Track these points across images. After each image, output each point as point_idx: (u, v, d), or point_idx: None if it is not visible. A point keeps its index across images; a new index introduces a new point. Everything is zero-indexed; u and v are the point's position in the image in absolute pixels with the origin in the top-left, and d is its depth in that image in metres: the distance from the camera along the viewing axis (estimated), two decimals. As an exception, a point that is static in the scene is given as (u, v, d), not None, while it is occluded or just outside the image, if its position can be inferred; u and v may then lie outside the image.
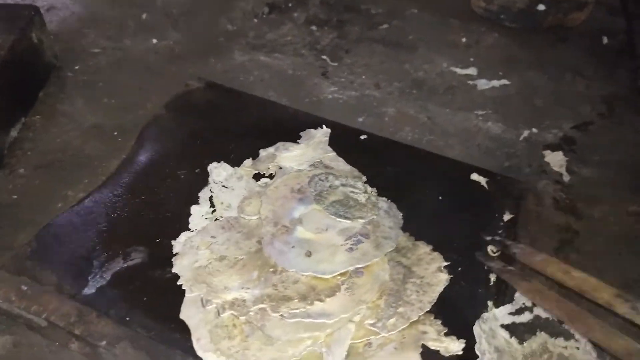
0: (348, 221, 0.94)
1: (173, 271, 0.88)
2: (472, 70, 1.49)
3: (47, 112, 1.26)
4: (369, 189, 1.02)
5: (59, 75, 1.36)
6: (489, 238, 0.95)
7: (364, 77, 1.46)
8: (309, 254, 0.89)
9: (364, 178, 1.04)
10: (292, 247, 0.90)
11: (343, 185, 1.01)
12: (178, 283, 0.86)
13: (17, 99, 1.21)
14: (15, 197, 1.09)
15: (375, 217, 0.95)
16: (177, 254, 0.91)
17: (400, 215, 0.98)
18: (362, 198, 0.99)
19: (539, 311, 0.87)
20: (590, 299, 0.79)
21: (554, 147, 1.24)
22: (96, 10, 1.55)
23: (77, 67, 1.39)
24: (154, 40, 1.50)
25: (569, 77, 1.45)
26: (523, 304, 0.88)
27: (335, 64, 1.50)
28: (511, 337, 0.83)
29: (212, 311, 0.82)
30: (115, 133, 1.23)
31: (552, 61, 1.50)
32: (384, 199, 1.00)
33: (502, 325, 0.84)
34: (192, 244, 0.91)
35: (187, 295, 0.85)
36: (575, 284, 0.80)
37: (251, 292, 0.83)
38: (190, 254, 0.90)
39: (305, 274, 0.86)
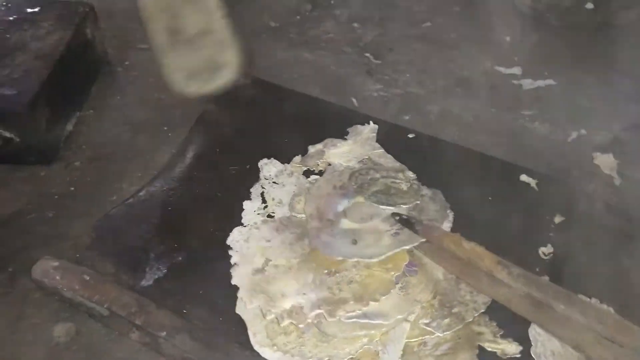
0: (391, 208, 0.97)
1: (232, 283, 0.88)
2: (516, 70, 1.47)
3: (99, 106, 1.30)
4: (411, 175, 1.04)
5: (109, 71, 1.39)
6: (397, 217, 0.97)
7: (408, 75, 1.46)
8: (354, 242, 0.91)
9: (412, 175, 1.05)
10: (338, 237, 0.92)
11: (383, 177, 1.03)
12: (238, 295, 0.87)
13: (72, 93, 1.25)
14: (72, 189, 1.12)
15: (418, 202, 0.99)
16: (235, 264, 0.91)
17: (444, 200, 1.00)
18: (403, 186, 1.02)
19: None
20: (477, 266, 0.87)
21: (603, 149, 1.22)
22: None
23: (127, 63, 1.42)
24: (201, 36, 1.52)
25: (616, 77, 1.43)
26: None
27: (379, 61, 1.50)
28: None
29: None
30: (165, 128, 1.26)
31: (600, 61, 1.47)
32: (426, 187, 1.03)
33: None
34: (247, 250, 0.92)
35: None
36: (465, 253, 0.88)
37: (308, 297, 0.84)
38: (246, 262, 0.91)
39: (352, 260, 0.89)
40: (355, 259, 0.89)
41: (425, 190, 1.02)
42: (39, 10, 1.27)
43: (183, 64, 1.01)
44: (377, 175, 1.03)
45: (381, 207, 0.97)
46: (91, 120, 1.26)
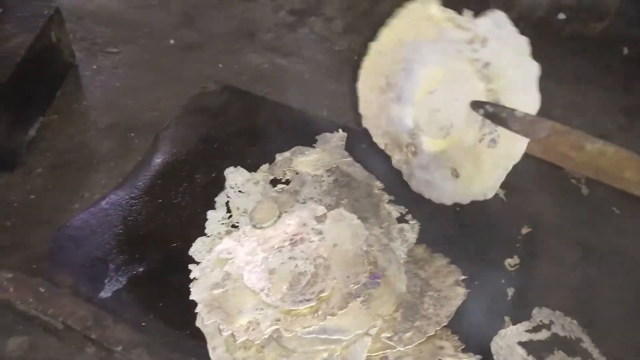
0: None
1: (191, 298, 0.85)
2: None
3: (64, 111, 1.28)
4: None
5: (76, 75, 1.37)
6: (480, 111, 0.78)
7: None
8: (456, 174, 0.78)
9: (380, 185, 1.04)
10: (434, 170, 0.78)
11: None
12: (195, 311, 0.84)
13: (35, 98, 1.22)
14: (33, 196, 1.10)
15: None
16: (194, 278, 0.88)
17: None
18: None
19: (556, 329, 0.86)
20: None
21: (572, 160, 1.22)
22: (113, 10, 1.56)
23: (94, 67, 1.40)
24: (171, 41, 1.50)
25: (587, 87, 1.44)
26: (540, 321, 0.87)
27: (350, 68, 1.50)
28: (528, 355, 0.82)
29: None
30: (132, 134, 1.24)
31: (571, 71, 1.48)
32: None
33: (519, 343, 0.83)
34: (208, 262, 0.90)
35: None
36: (592, 159, 0.71)
37: (265, 312, 0.82)
38: (205, 276, 0.88)
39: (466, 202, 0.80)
40: (469, 200, 0.76)
41: (482, 25, 0.80)
42: (2, 12, 1.24)
43: None
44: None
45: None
46: (55, 126, 1.24)
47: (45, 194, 1.10)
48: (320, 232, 0.92)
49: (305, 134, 1.17)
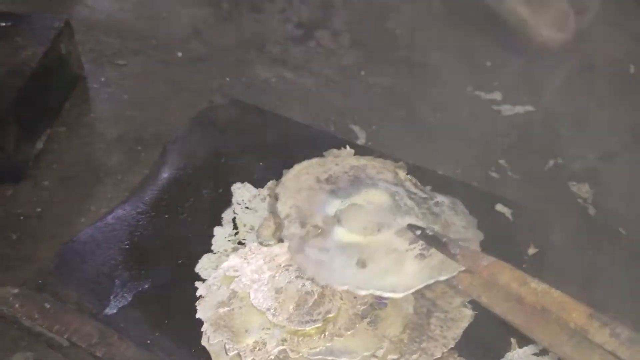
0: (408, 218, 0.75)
1: (197, 316, 0.84)
2: (496, 95, 1.48)
3: (72, 123, 1.28)
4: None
5: (84, 87, 1.37)
6: (417, 231, 0.76)
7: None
8: (362, 264, 0.72)
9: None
10: (335, 254, 0.74)
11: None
12: (201, 330, 0.83)
13: (44, 110, 1.23)
14: (39, 209, 1.10)
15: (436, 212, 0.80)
16: (200, 296, 0.87)
17: (468, 213, 0.84)
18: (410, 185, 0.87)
19: None
20: (556, 319, 0.67)
21: (579, 179, 1.23)
22: (122, 23, 1.57)
23: (102, 79, 1.40)
24: (179, 54, 1.51)
25: (594, 106, 1.44)
26: None
27: (358, 83, 1.50)
28: None
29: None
30: (139, 147, 1.24)
31: (578, 89, 1.49)
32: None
33: None
34: (214, 280, 0.89)
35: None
36: (537, 299, 0.67)
37: (271, 332, 0.81)
38: (212, 294, 0.87)
39: (364, 293, 0.73)
40: (369, 292, 0.71)
41: (440, 197, 0.82)
42: (13, 24, 1.25)
43: None
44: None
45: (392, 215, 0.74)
46: (63, 138, 1.24)
47: (52, 207, 1.10)
48: (327, 251, 0.92)
49: (312, 150, 1.17)
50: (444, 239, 0.74)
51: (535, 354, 0.84)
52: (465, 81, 1.52)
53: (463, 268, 0.74)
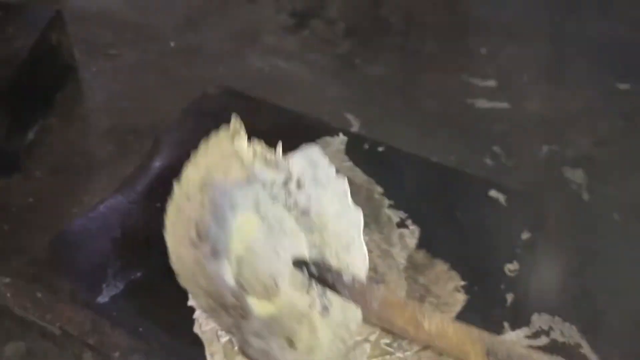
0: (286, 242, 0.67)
1: (189, 304, 0.83)
2: (491, 83, 1.48)
3: (64, 114, 1.29)
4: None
5: (76, 78, 1.38)
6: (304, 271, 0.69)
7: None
8: (291, 344, 0.65)
9: (380, 190, 1.04)
10: (267, 338, 0.67)
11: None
12: (194, 317, 0.82)
13: (35, 100, 1.23)
14: (31, 200, 1.10)
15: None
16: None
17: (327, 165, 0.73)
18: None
19: (556, 335, 0.87)
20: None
21: (573, 164, 1.23)
22: (115, 13, 1.57)
23: (94, 69, 1.41)
24: (172, 44, 1.51)
25: (591, 90, 1.44)
26: (540, 327, 0.87)
27: (353, 71, 1.50)
28: None
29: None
30: (132, 138, 1.24)
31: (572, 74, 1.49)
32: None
33: None
34: None
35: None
36: (433, 341, 0.65)
37: None
38: None
39: None
40: None
41: (297, 166, 0.73)
42: (3, 15, 1.25)
43: None
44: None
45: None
46: (54, 129, 1.25)
47: (44, 198, 1.11)
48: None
49: (305, 138, 1.17)
50: (330, 279, 0.66)
51: (527, 336, 0.85)
52: (459, 69, 1.52)
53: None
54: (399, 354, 0.79)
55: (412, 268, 0.91)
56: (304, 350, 0.65)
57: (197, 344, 0.81)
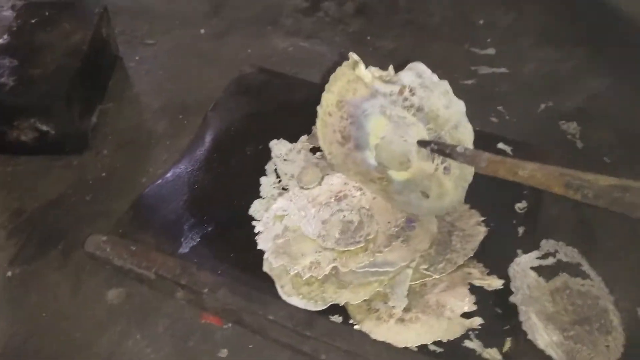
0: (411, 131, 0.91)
1: (258, 248, 1.00)
2: (490, 51, 1.62)
3: (117, 99, 1.42)
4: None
5: (122, 66, 1.51)
6: (428, 147, 0.93)
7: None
8: (425, 195, 0.93)
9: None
10: (408, 193, 0.95)
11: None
12: (264, 257, 0.99)
13: (94, 88, 1.37)
14: (104, 174, 1.25)
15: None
16: (258, 232, 1.03)
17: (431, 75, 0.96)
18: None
19: (561, 256, 1.02)
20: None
21: (568, 117, 1.38)
22: (146, 6, 1.70)
23: (137, 58, 1.53)
24: (202, 31, 1.64)
25: (582, 51, 1.57)
26: (547, 250, 1.03)
27: (365, 47, 1.63)
28: (539, 276, 0.98)
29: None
30: (180, 116, 1.38)
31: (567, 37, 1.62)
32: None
33: (531, 268, 0.99)
34: (267, 219, 1.05)
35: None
36: (526, 181, 0.85)
37: (324, 254, 0.98)
38: (267, 230, 1.03)
39: (440, 215, 0.95)
40: (443, 213, 0.93)
41: (407, 78, 0.96)
42: (58, 12, 1.37)
43: None
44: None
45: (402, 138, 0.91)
46: (112, 112, 1.38)
47: (115, 171, 1.24)
48: (360, 188, 1.08)
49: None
50: (447, 150, 0.90)
51: (538, 258, 1.02)
52: (461, 39, 1.66)
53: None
54: (436, 276, 0.97)
55: (440, 209, 1.07)
56: (435, 197, 0.90)
57: (268, 280, 0.97)
